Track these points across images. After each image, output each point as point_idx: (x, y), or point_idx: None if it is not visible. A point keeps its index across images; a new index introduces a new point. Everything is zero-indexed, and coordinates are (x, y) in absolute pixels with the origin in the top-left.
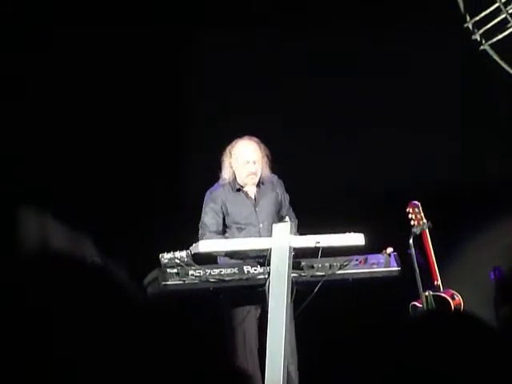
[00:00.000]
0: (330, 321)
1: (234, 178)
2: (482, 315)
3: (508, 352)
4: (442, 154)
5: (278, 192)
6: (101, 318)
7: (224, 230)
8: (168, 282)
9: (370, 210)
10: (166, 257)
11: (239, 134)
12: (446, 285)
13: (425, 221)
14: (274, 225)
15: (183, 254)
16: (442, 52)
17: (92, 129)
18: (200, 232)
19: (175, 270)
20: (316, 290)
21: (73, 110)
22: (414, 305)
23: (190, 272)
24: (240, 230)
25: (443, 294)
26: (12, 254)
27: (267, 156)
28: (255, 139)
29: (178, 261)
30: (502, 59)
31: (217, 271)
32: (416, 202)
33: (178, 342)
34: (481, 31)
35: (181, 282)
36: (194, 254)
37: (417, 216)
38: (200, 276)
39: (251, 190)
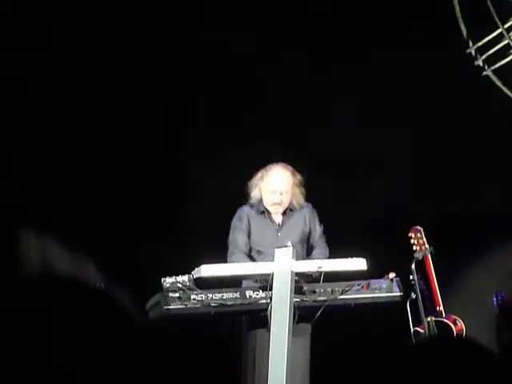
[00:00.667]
0: (332, 346)
1: (261, 201)
2: (483, 341)
3: (509, 378)
4: (444, 179)
5: (306, 221)
6: (103, 340)
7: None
8: (170, 307)
9: (372, 235)
10: (168, 281)
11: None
12: (448, 310)
13: (427, 246)
14: (276, 249)
15: (185, 278)
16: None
17: (90, 140)
18: (230, 250)
19: (177, 295)
20: (318, 314)
21: (71, 113)
22: (416, 330)
23: (192, 296)
24: (260, 253)
25: (445, 320)
26: (14, 277)
27: (300, 185)
28: (289, 168)
29: (180, 285)
30: (504, 85)
31: (218, 296)
32: (418, 227)
33: (177, 364)
34: (483, 57)
35: (183, 307)
36: (197, 278)
37: (419, 241)
38: (202, 300)
39: (277, 215)
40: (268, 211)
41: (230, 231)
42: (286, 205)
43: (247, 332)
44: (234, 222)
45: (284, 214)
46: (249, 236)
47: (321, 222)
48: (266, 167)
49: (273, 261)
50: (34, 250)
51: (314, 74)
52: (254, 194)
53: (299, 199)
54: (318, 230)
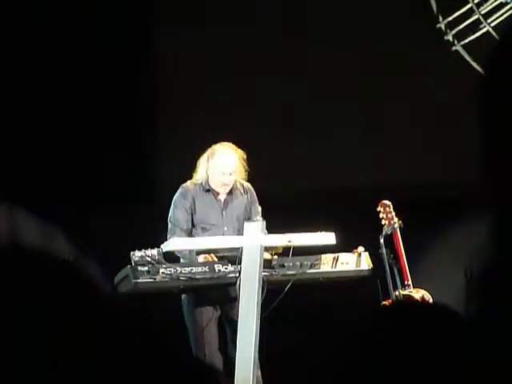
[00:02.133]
0: (300, 320)
1: (207, 180)
2: None
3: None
4: (415, 153)
5: (248, 199)
6: (68, 313)
7: (191, 229)
8: (139, 280)
9: (341, 209)
10: (136, 255)
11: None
12: (417, 284)
13: (396, 220)
14: (245, 223)
15: (154, 251)
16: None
17: (60, 120)
18: (170, 227)
19: (146, 268)
20: (286, 289)
21: (47, 105)
22: (385, 305)
23: (161, 270)
24: (204, 230)
25: (413, 294)
26: None
27: (243, 164)
28: (234, 148)
29: (148, 259)
30: (473, 60)
31: (188, 269)
32: (387, 202)
33: (138, 339)
34: (453, 32)
35: (151, 280)
36: (166, 252)
37: (388, 215)
38: (171, 274)
39: (222, 194)
40: (213, 190)
41: (171, 208)
42: (232, 184)
43: (195, 308)
44: (178, 199)
45: (228, 193)
46: (192, 214)
47: (259, 204)
48: (211, 148)
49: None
50: (2, 221)
51: None
52: (200, 173)
53: (242, 176)
54: (256, 209)
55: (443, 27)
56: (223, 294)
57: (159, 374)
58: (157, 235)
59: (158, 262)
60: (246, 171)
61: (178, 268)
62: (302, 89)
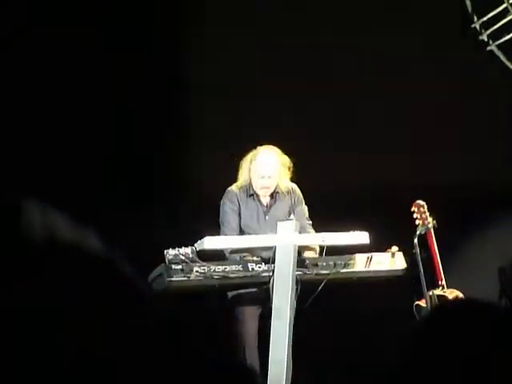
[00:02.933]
0: (334, 319)
1: (250, 183)
2: None
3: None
4: (449, 154)
5: (292, 201)
6: (108, 311)
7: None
8: (173, 279)
9: (375, 209)
10: (170, 253)
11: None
12: (450, 285)
13: (430, 220)
14: (278, 222)
15: (188, 250)
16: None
17: (92, 120)
18: (222, 229)
19: (180, 267)
20: (320, 288)
21: (71, 104)
22: (418, 305)
23: (195, 268)
24: (248, 235)
25: (447, 294)
26: (16, 247)
27: (288, 167)
28: (276, 150)
29: (182, 257)
30: (508, 60)
31: (221, 268)
32: (421, 202)
33: (179, 339)
34: (488, 32)
35: (185, 279)
36: (199, 250)
37: (422, 215)
38: (205, 273)
39: (264, 198)
40: (257, 194)
41: (220, 211)
42: (273, 187)
43: (236, 307)
44: (225, 202)
45: (271, 196)
46: (239, 217)
47: (306, 204)
48: (254, 150)
49: None
50: (37, 219)
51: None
52: (244, 176)
53: (285, 181)
54: (301, 211)
55: (478, 27)
56: (265, 293)
57: (196, 374)
58: (191, 234)
59: (191, 261)
60: (288, 175)
61: (211, 267)
62: (327, 91)
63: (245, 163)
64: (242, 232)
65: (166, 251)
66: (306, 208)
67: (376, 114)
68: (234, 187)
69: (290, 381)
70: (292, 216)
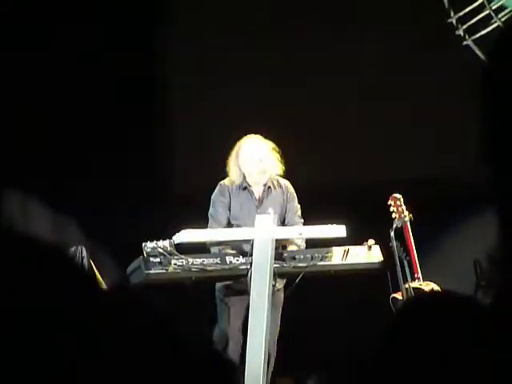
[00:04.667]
0: (311, 312)
1: (244, 178)
2: None
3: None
4: (424, 147)
5: (284, 196)
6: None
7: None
8: (151, 271)
9: (352, 202)
10: (148, 246)
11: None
12: (426, 278)
13: (406, 213)
14: (257, 216)
15: (166, 243)
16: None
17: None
18: (210, 222)
19: (158, 259)
20: (297, 281)
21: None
22: (395, 297)
23: (173, 261)
24: (239, 227)
25: (423, 287)
26: None
27: (278, 153)
28: (260, 136)
29: (160, 250)
30: (484, 54)
31: (199, 261)
32: (398, 195)
33: (151, 331)
34: (464, 26)
35: (163, 271)
36: (177, 243)
37: (398, 209)
38: (183, 265)
39: (257, 190)
40: (250, 186)
41: (211, 204)
42: (268, 172)
43: (223, 298)
44: (216, 195)
45: (264, 190)
46: (229, 210)
47: (299, 202)
48: (236, 145)
49: None
50: (14, 210)
51: None
52: (235, 174)
53: (276, 171)
54: (293, 209)
55: (454, 22)
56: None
57: (174, 367)
58: (170, 228)
59: (169, 254)
60: (279, 161)
61: (189, 259)
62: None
63: (232, 160)
64: (230, 225)
65: (143, 244)
66: (298, 206)
67: (354, 114)
68: (226, 181)
69: (271, 370)
70: (270, 210)
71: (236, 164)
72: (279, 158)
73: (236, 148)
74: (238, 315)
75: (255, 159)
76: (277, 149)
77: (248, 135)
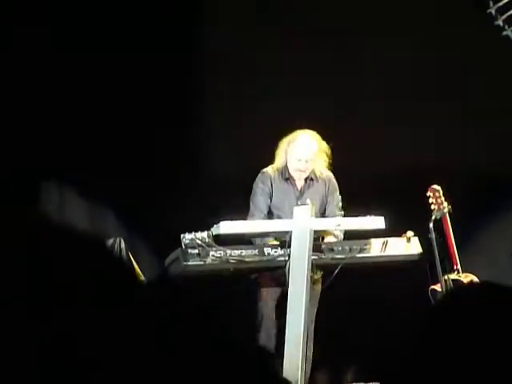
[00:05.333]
0: (349, 304)
1: (286, 166)
2: None
3: None
4: (465, 139)
5: (326, 188)
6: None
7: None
8: (189, 263)
9: (391, 194)
10: (187, 237)
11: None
12: (466, 270)
13: (445, 205)
14: (295, 207)
15: (204, 234)
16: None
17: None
18: (251, 210)
19: (196, 251)
20: (335, 272)
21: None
22: (434, 289)
23: (211, 253)
24: (279, 217)
25: (462, 278)
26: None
27: (324, 153)
28: (316, 136)
29: (199, 241)
30: None
31: (237, 252)
32: (436, 187)
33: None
34: (504, 17)
35: (201, 263)
36: (216, 235)
37: (437, 200)
38: (221, 257)
39: (299, 182)
40: (292, 177)
41: (253, 191)
42: (308, 172)
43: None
44: (258, 183)
45: (306, 181)
46: (270, 199)
47: (340, 194)
48: (294, 133)
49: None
50: (54, 200)
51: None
52: (281, 158)
53: (322, 167)
54: (334, 201)
55: (493, 12)
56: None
57: (218, 359)
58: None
59: (208, 245)
60: (327, 162)
61: (227, 251)
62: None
63: (282, 145)
64: (270, 214)
65: (182, 235)
66: (339, 197)
67: (399, 108)
68: (269, 169)
69: (310, 363)
70: (308, 200)
71: (284, 150)
72: (326, 159)
73: (290, 136)
74: (271, 297)
75: (302, 159)
76: (327, 149)
77: (306, 129)
